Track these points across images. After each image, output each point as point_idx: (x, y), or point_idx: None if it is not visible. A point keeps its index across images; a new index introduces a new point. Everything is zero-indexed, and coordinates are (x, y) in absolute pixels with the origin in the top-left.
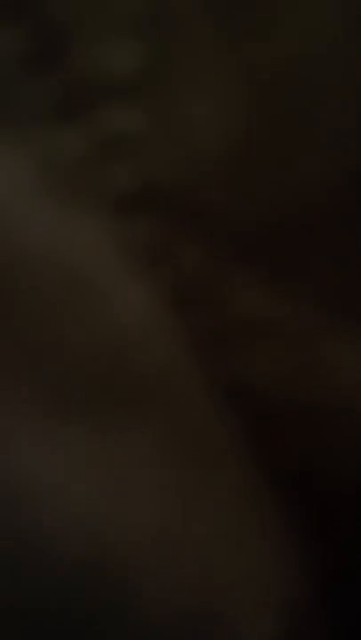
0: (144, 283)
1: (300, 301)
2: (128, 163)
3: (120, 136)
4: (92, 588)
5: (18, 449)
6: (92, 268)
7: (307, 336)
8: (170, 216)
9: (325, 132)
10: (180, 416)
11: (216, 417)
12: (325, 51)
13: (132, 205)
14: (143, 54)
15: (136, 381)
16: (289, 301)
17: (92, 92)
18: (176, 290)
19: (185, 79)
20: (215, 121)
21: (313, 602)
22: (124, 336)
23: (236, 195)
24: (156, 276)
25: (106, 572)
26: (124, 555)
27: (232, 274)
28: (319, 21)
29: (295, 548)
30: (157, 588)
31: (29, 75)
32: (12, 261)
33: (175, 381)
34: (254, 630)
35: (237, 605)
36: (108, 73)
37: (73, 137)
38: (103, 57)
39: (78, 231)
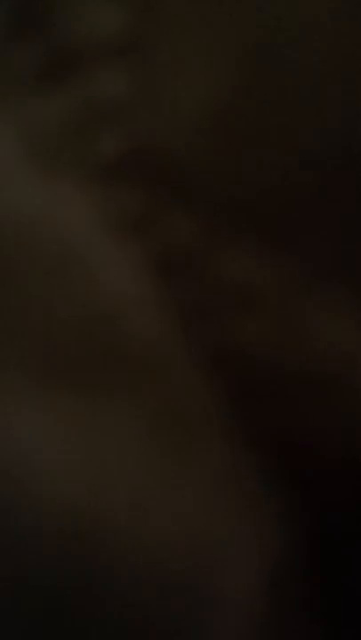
0: (130, 252)
1: (287, 270)
2: (113, 129)
3: (105, 102)
4: (79, 556)
5: (6, 417)
6: (77, 237)
7: (293, 305)
8: (156, 184)
9: (314, 100)
10: (165, 386)
11: (202, 386)
12: (317, 23)
13: (119, 172)
14: (127, 19)
15: (123, 352)
16: (275, 270)
17: (76, 58)
18: (162, 259)
19: (170, 44)
20: (202, 87)
21: (297, 569)
22: (111, 306)
23: (224, 163)
24: (143, 244)
25: (93, 540)
26: (110, 523)
27: (218, 242)
28: None
29: (279, 516)
30: (144, 554)
31: (12, 40)
32: None
33: (161, 351)
34: (238, 596)
35: (221, 570)
36: (92, 38)
37: (57, 103)
38: (86, 22)
39: (63, 199)
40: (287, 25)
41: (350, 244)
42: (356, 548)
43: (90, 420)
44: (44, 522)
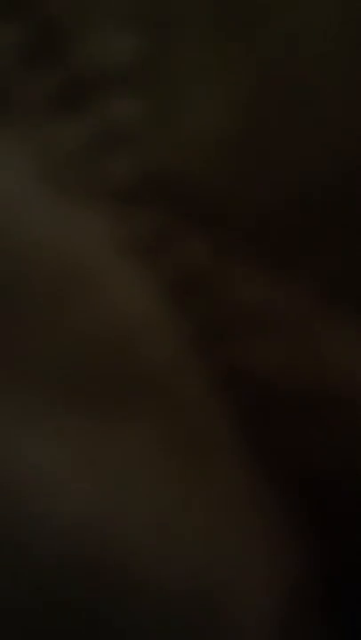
0: (144, 273)
1: (301, 291)
2: (127, 153)
3: (119, 127)
4: (93, 580)
5: (19, 441)
6: (91, 258)
7: (307, 326)
8: (170, 206)
9: (327, 120)
10: (180, 408)
11: (216, 408)
12: (327, 53)
13: (132, 196)
14: (141, 45)
15: (137, 373)
16: (289, 291)
17: (91, 84)
18: (176, 280)
19: (183, 69)
20: (214, 110)
21: (312, 592)
22: (125, 327)
23: (236, 184)
24: (157, 267)
25: (106, 564)
26: (124, 547)
27: (232, 263)
28: (321, 17)
29: (294, 539)
30: (157, 579)
31: (28, 67)
32: (12, 253)
33: (176, 372)
34: (252, 618)
35: (235, 594)
36: (106, 64)
37: (72, 128)
38: (101, 48)
39: (78, 222)
40: (299, 53)
41: None
42: None
43: (106, 443)
44: (63, 546)
